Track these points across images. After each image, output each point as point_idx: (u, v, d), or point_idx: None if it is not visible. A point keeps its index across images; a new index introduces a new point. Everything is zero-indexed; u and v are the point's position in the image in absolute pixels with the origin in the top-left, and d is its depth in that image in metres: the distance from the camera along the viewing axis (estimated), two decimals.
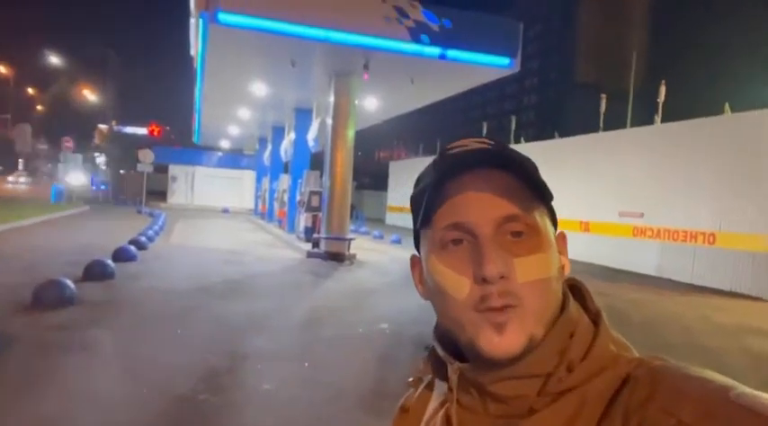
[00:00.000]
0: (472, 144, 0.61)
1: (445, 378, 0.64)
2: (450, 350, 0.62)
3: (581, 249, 14.85)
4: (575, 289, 0.63)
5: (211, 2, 10.00)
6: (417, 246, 0.64)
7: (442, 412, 0.63)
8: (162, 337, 5.69)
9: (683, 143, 12.79)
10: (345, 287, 9.60)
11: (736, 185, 11.32)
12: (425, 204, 0.57)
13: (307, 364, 5.08)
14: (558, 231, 0.62)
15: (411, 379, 0.73)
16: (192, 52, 16.30)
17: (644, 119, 15.17)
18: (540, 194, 0.57)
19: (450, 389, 0.62)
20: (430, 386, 0.69)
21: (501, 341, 0.54)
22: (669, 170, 13.03)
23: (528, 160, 0.60)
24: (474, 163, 0.57)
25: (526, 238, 0.56)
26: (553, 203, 0.60)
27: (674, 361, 0.54)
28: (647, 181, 13.63)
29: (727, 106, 12.30)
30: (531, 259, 0.55)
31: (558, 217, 0.62)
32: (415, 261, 0.66)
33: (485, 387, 0.58)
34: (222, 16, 10.04)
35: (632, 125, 15.61)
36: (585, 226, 15.63)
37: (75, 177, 28.48)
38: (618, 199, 14.53)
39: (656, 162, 13.45)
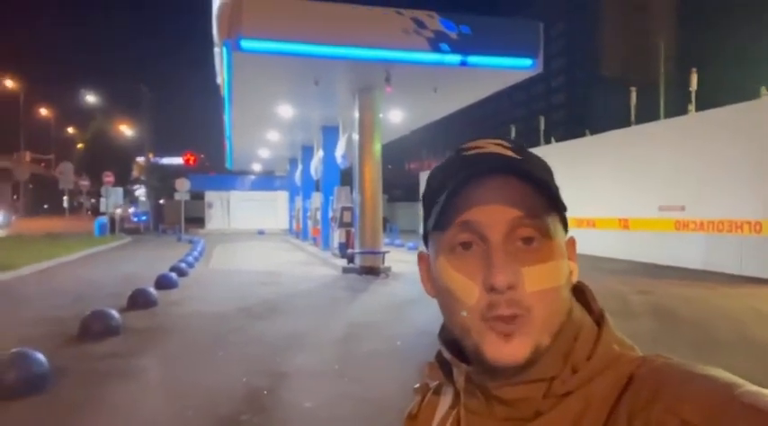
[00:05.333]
0: (489, 145, 0.60)
1: (452, 382, 0.64)
2: (457, 352, 0.62)
3: (622, 246, 14.46)
4: (577, 291, 0.63)
5: (234, 30, 10.26)
6: (426, 243, 0.64)
7: (452, 417, 0.63)
8: (204, 360, 5.79)
9: (720, 131, 12.38)
10: (382, 300, 9.60)
11: None
12: (440, 207, 0.57)
13: (346, 380, 5.08)
14: (568, 237, 0.61)
15: (417, 386, 0.72)
16: (219, 80, 16.75)
17: (677, 109, 14.75)
18: (553, 202, 0.57)
19: (456, 393, 0.62)
20: (437, 392, 0.69)
21: (506, 350, 0.54)
22: (708, 159, 12.61)
23: (544, 168, 0.61)
24: (491, 170, 0.56)
25: (537, 245, 0.55)
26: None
27: (678, 358, 0.53)
28: (686, 172, 13.22)
29: (763, 89, 11.88)
30: (541, 268, 0.55)
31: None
32: (422, 258, 0.66)
33: (490, 391, 0.58)
34: (245, 43, 10.29)
35: (665, 116, 15.21)
36: (625, 224, 15.21)
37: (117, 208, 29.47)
38: (657, 194, 14.12)
39: (694, 152, 13.04)
